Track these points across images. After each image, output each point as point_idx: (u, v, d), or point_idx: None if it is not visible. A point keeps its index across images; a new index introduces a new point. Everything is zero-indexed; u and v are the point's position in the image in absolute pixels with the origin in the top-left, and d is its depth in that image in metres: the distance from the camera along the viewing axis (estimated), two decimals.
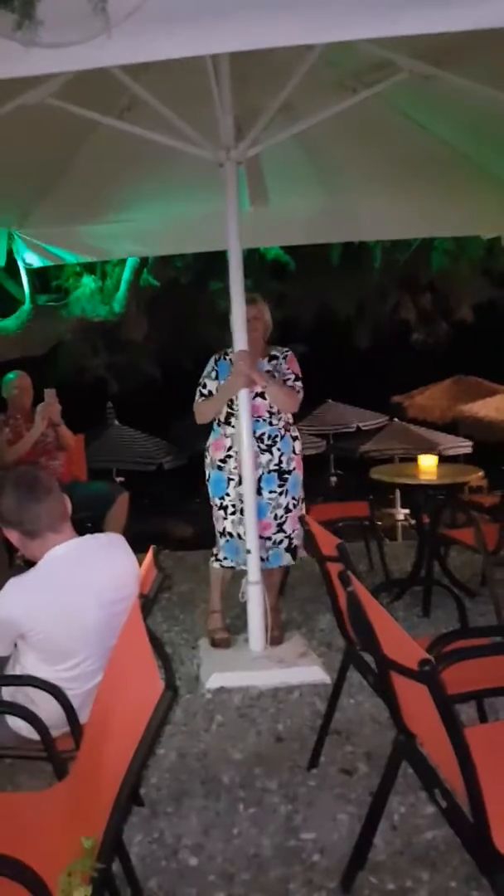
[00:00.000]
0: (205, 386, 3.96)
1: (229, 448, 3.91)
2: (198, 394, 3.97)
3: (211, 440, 4.03)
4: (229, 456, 3.91)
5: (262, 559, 3.83)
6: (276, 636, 3.90)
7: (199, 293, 10.28)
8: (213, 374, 3.96)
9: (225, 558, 3.98)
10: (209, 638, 4.02)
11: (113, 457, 11.43)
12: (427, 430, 12.80)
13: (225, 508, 3.94)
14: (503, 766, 1.82)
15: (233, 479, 3.90)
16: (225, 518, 3.94)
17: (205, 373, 4.01)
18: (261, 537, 3.83)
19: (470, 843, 1.76)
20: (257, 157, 4.07)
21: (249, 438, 3.76)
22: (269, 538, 3.91)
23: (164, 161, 4.23)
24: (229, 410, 3.90)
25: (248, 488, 3.76)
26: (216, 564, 4.02)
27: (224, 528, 3.94)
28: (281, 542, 3.94)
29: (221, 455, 3.94)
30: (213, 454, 3.98)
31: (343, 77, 3.86)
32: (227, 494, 3.92)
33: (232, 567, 3.98)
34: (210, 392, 3.94)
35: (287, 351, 4.03)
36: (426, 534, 4.59)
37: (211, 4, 2.02)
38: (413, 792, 2.59)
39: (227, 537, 3.95)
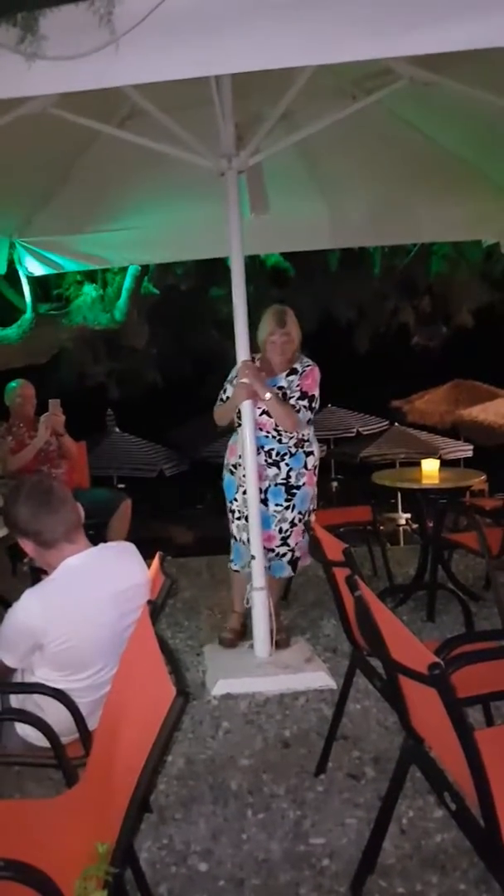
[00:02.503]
0: (225, 390, 3.96)
1: (240, 455, 3.90)
2: (219, 398, 3.98)
3: (230, 442, 4.05)
4: (240, 463, 3.91)
5: (266, 567, 3.84)
6: (282, 639, 3.91)
7: (199, 300, 10.32)
8: (235, 379, 3.90)
9: (231, 561, 4.02)
10: (218, 636, 4.06)
11: (114, 464, 11.44)
12: (427, 435, 12.81)
13: (233, 513, 3.97)
14: None
15: (242, 486, 3.90)
16: (232, 522, 3.98)
17: (229, 376, 3.97)
18: (264, 548, 3.82)
19: (480, 845, 1.77)
20: (258, 165, 4.08)
21: (252, 449, 3.76)
22: (273, 550, 3.91)
23: (164, 168, 4.25)
24: (240, 422, 3.87)
25: (252, 498, 3.77)
26: (230, 565, 4.09)
27: (231, 532, 3.99)
28: (284, 554, 3.95)
29: (234, 460, 3.97)
30: (228, 458, 4.03)
31: (343, 84, 3.88)
32: (235, 500, 3.95)
33: (237, 571, 3.99)
34: (229, 397, 3.94)
35: (309, 365, 3.90)
36: (430, 538, 4.60)
37: (215, 24, 2.03)
38: (421, 796, 2.59)
39: (233, 541, 4.00)
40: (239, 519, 3.92)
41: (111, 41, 1.98)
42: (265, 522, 3.84)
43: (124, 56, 2.00)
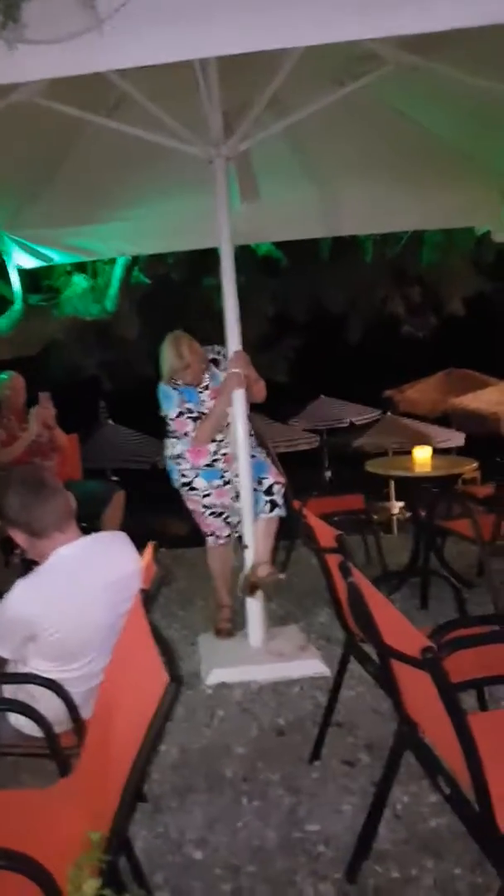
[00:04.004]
0: (190, 411, 3.93)
1: (214, 452, 3.94)
2: (189, 423, 3.92)
3: (179, 449, 3.99)
4: (216, 459, 3.95)
5: (277, 505, 3.93)
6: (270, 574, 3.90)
7: (191, 290, 10.26)
8: (185, 398, 3.96)
9: (225, 536, 4.05)
10: (214, 628, 4.06)
11: (107, 456, 11.41)
12: (420, 423, 12.80)
13: (230, 482, 3.95)
14: None
15: (226, 464, 3.95)
16: (226, 497, 3.97)
17: (175, 403, 3.96)
18: (276, 483, 3.95)
19: (475, 829, 1.78)
20: (246, 153, 4.06)
21: (245, 439, 3.76)
22: (282, 483, 4.00)
23: (152, 159, 4.21)
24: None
25: (244, 488, 3.77)
26: (219, 541, 4.07)
27: (236, 494, 3.92)
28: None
29: (207, 460, 3.95)
30: (196, 460, 3.96)
31: (330, 69, 3.85)
32: (225, 472, 3.96)
33: (236, 535, 4.01)
34: (200, 413, 3.93)
35: (221, 348, 4.00)
36: (422, 525, 4.60)
37: (199, 7, 2.02)
38: (415, 781, 2.60)
39: (221, 518, 4.02)
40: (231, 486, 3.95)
41: (95, 25, 1.97)
42: (263, 467, 3.95)
43: (108, 40, 1.99)
